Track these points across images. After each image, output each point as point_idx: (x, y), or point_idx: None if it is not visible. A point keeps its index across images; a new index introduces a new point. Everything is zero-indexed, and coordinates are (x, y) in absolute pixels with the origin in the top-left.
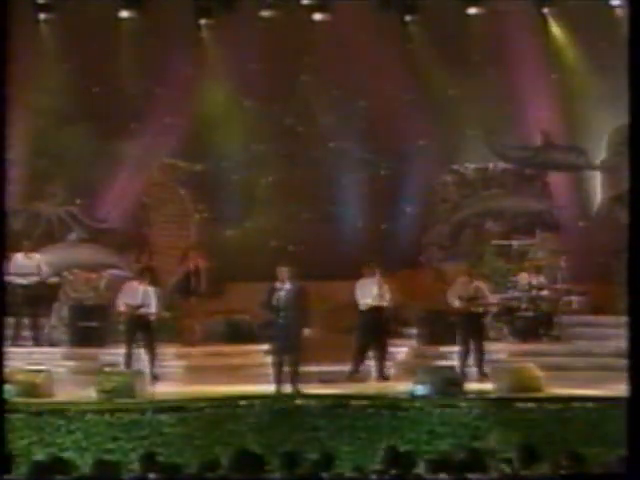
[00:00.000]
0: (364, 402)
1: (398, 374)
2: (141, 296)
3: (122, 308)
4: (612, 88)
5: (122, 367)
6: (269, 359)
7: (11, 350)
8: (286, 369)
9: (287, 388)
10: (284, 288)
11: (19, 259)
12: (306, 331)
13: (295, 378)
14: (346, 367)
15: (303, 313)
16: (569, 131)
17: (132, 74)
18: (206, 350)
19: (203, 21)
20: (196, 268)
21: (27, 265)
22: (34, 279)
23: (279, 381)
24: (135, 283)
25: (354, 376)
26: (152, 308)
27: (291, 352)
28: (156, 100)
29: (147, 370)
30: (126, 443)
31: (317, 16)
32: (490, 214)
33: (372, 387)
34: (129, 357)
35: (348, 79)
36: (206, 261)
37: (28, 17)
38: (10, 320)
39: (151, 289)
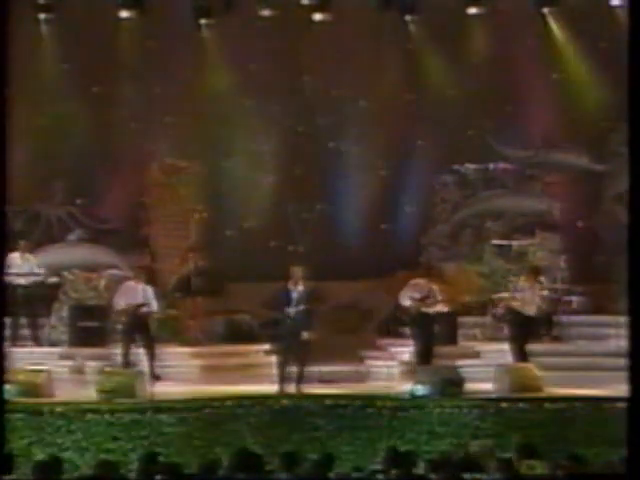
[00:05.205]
0: (364, 402)
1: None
2: (141, 295)
3: (123, 307)
4: (612, 88)
5: (121, 367)
6: (269, 359)
7: (11, 350)
8: (292, 369)
9: (291, 388)
10: (297, 289)
11: (16, 259)
12: (306, 334)
13: (301, 379)
14: (346, 367)
15: (312, 315)
16: (569, 131)
17: (132, 74)
18: (206, 350)
19: (203, 21)
20: (196, 268)
21: (24, 266)
22: (33, 279)
23: (283, 381)
24: (133, 283)
25: None
26: (153, 306)
27: (299, 353)
28: (156, 100)
29: (147, 370)
30: (126, 443)
31: (317, 16)
32: (490, 214)
33: (372, 387)
34: (126, 356)
35: (348, 79)
36: (206, 261)
37: (28, 17)
38: (10, 320)
39: (149, 288)
